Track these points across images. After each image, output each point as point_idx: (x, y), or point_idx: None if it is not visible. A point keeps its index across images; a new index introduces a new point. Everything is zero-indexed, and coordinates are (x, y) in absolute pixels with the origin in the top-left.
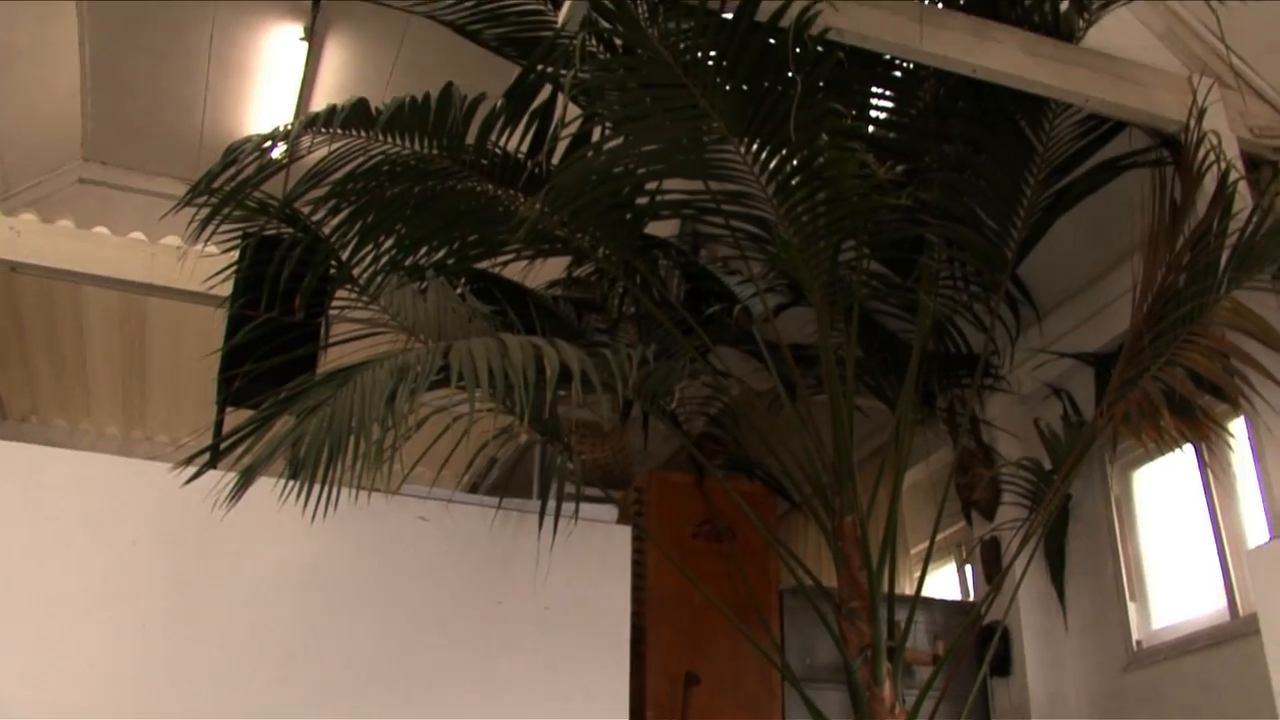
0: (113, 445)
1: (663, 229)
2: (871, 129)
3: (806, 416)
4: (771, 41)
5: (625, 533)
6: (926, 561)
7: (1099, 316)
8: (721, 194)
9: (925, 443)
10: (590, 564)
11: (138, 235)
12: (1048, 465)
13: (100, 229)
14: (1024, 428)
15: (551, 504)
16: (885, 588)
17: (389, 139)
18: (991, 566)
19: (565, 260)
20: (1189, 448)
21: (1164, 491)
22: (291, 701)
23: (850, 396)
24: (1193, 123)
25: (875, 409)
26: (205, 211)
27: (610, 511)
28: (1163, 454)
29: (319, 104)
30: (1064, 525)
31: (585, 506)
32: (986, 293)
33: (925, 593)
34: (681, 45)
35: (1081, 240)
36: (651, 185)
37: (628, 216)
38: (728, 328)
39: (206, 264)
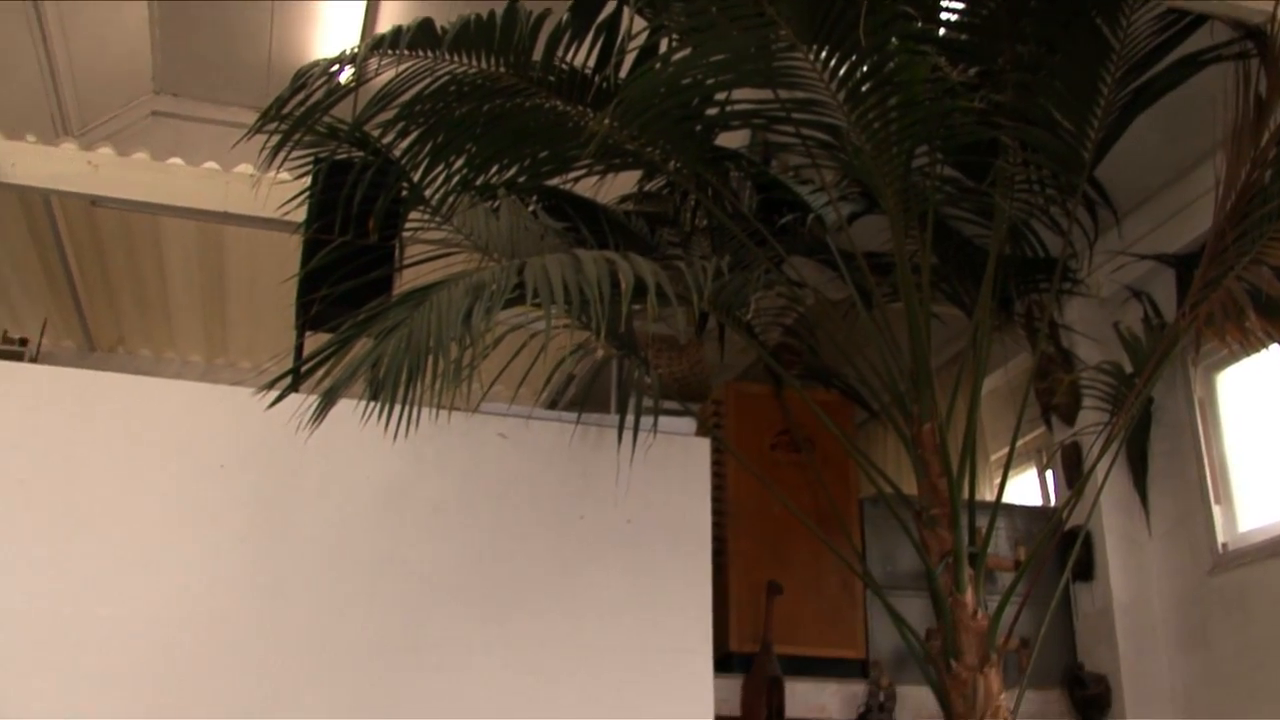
0: (197, 372)
1: (733, 140)
2: (943, 31)
3: (883, 324)
4: None
5: (704, 445)
6: (1007, 467)
7: (1180, 216)
8: (791, 102)
9: (1003, 349)
10: (670, 477)
11: (211, 165)
12: (1128, 369)
13: (175, 160)
14: (1103, 331)
15: (630, 418)
16: (965, 494)
17: (455, 58)
18: (1072, 471)
19: (636, 175)
20: (1275, 348)
21: (1249, 393)
22: (377, 619)
23: (926, 303)
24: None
25: (952, 316)
26: (276, 138)
27: (688, 424)
28: (1247, 355)
29: (384, 26)
30: (1146, 429)
31: (663, 420)
32: (1063, 195)
33: (1006, 499)
34: None
35: (1161, 139)
36: (720, 96)
37: (697, 128)
38: (801, 238)
39: (280, 190)
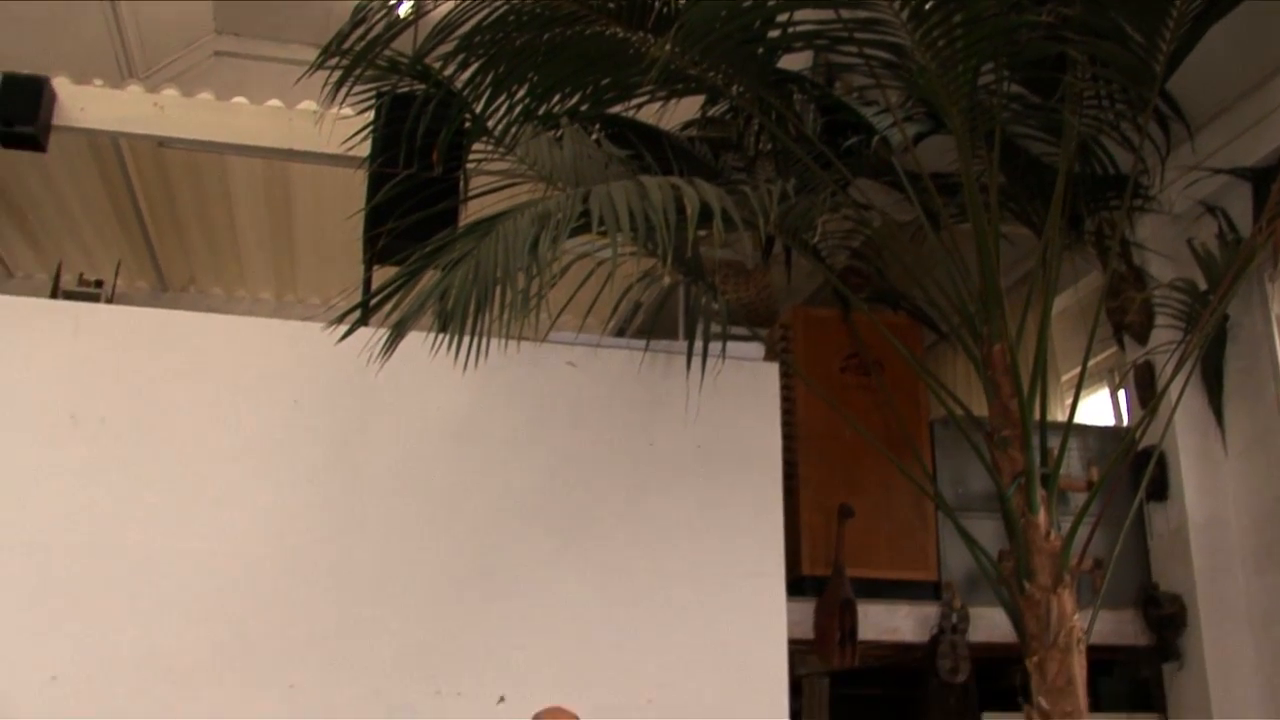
0: (267, 310)
1: (796, 62)
2: None
3: (951, 246)
4: None
5: (773, 369)
6: (1078, 387)
7: (1256, 129)
8: (854, 22)
9: (1073, 268)
10: (739, 402)
11: (275, 103)
12: (1203, 286)
13: (239, 99)
14: (1176, 248)
15: (698, 344)
16: (1037, 415)
17: None
18: (1146, 390)
19: (699, 100)
20: None
21: None
22: (451, 548)
23: (995, 223)
24: None
25: (1021, 235)
26: (338, 74)
27: (757, 349)
28: None
29: None
30: (1221, 346)
31: (732, 345)
32: (1134, 110)
33: (1078, 419)
34: None
35: (1236, 49)
36: (782, 17)
37: (759, 51)
38: (867, 159)
39: (343, 126)
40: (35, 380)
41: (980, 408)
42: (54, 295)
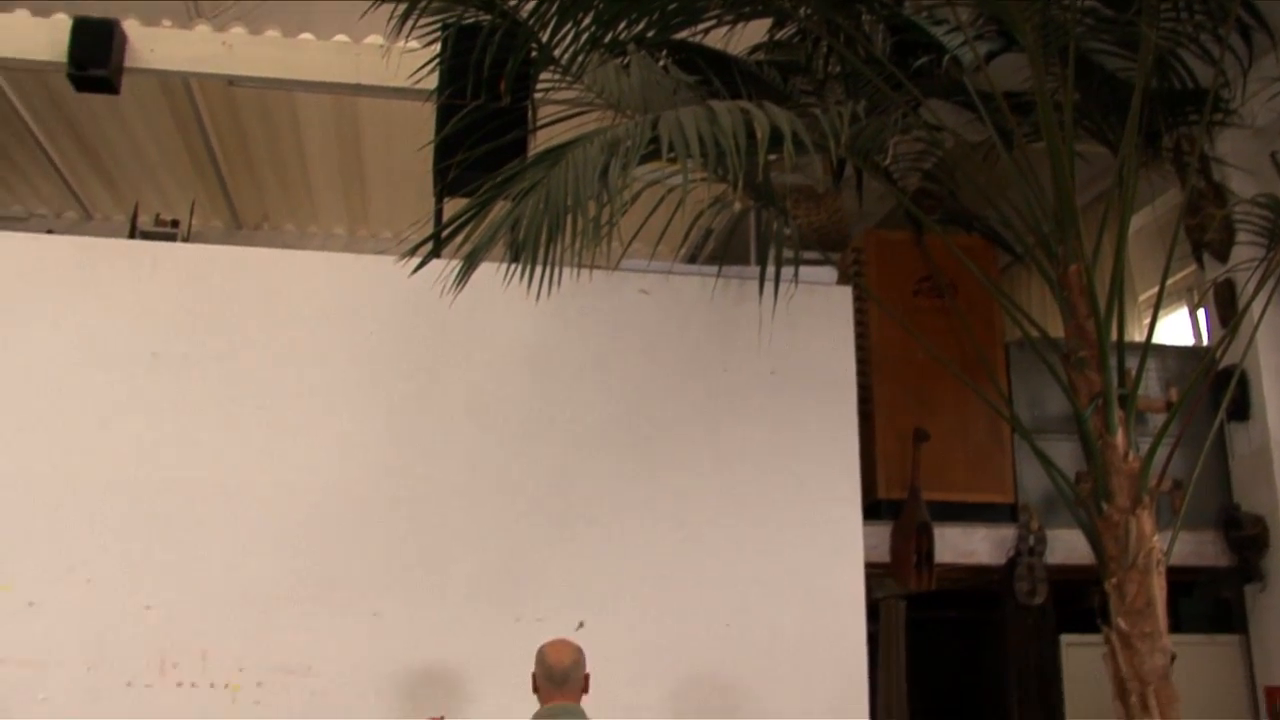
0: (340, 244)
1: None
2: None
3: (1025, 165)
4: None
5: (846, 293)
6: (1157, 307)
7: None
8: None
9: (1151, 185)
10: (813, 327)
11: (342, 38)
12: None
13: (306, 35)
14: (1259, 163)
15: (770, 269)
16: (1114, 335)
17: None
18: (1226, 309)
19: (766, 24)
20: None
21: None
22: (527, 477)
23: (1069, 141)
24: None
25: (1096, 153)
26: (404, 7)
27: (829, 273)
28: None
29: None
30: None
31: (804, 270)
32: (1214, 20)
33: (1156, 339)
34: None
35: None
36: None
37: None
38: (937, 79)
39: (410, 59)
40: (117, 319)
41: (1056, 329)
42: (132, 236)
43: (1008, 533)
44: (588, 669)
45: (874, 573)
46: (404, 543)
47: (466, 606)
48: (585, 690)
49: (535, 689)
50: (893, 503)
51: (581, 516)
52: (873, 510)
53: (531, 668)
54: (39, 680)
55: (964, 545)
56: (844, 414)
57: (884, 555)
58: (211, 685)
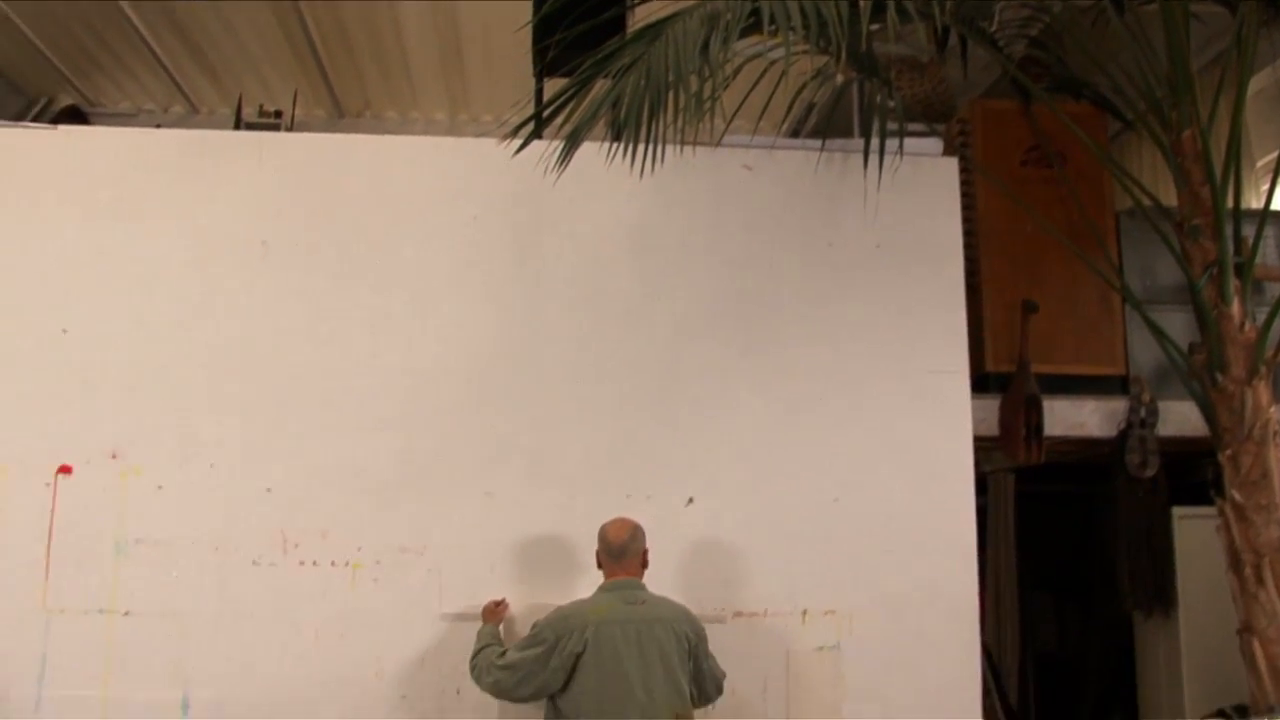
0: (441, 129)
1: None
2: None
3: (1136, 28)
4: None
5: (951, 165)
6: (1276, 173)
7: None
8: None
9: (1271, 46)
10: (918, 200)
11: None
12: None
13: None
14: None
15: (875, 142)
16: (1230, 202)
17: None
18: None
19: None
20: None
21: None
22: (635, 356)
23: (1184, 1)
24: None
25: (1212, 13)
26: None
27: (935, 145)
28: None
29: None
30: None
31: (909, 142)
32: None
33: (1275, 206)
34: None
35: None
36: None
37: None
38: None
39: None
40: (226, 210)
41: (1169, 197)
42: (237, 127)
43: (1119, 405)
44: (648, 545)
45: (982, 446)
46: (514, 424)
47: (576, 485)
48: (645, 565)
49: (599, 565)
50: (1001, 376)
51: (688, 394)
52: (981, 383)
53: (646, 545)
54: (171, 559)
55: (1074, 418)
56: (951, 287)
57: (992, 429)
58: (332, 564)
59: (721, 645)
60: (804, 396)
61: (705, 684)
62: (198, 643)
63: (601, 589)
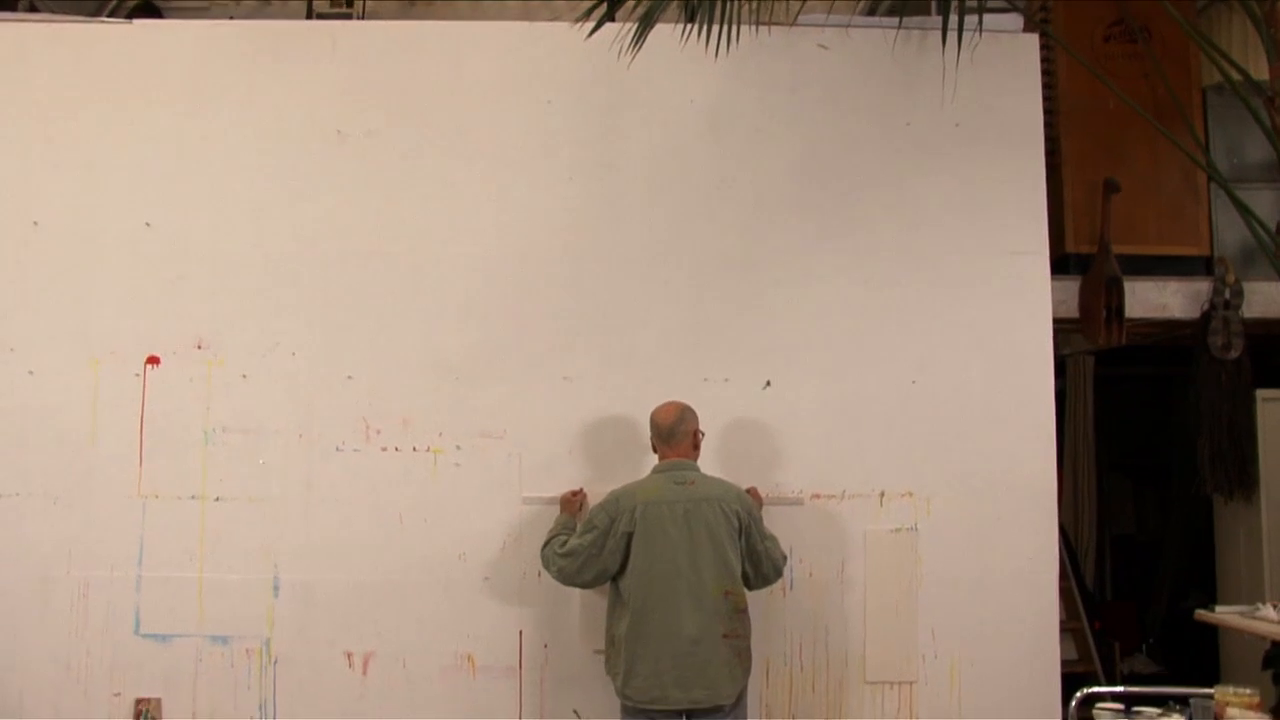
0: (514, 13)
1: None
2: None
3: None
4: None
5: (1032, 41)
6: None
7: None
8: None
9: None
10: (998, 77)
11: None
12: None
13: None
14: None
15: (953, 19)
16: None
17: None
18: None
19: None
20: None
21: None
22: (712, 239)
23: None
24: None
25: None
26: None
27: (1015, 20)
28: None
29: None
30: None
31: (989, 18)
32: None
33: None
34: None
35: None
36: None
37: None
38: None
39: None
40: (302, 99)
41: (1259, 70)
42: (308, 17)
43: (1202, 286)
44: (699, 426)
45: (1062, 328)
46: (591, 308)
47: (654, 368)
48: (696, 446)
49: (654, 449)
50: (1082, 257)
51: (765, 276)
52: (1061, 264)
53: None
54: (257, 446)
55: (1155, 299)
56: (1031, 166)
57: (1072, 311)
58: (414, 449)
59: (799, 527)
60: (882, 278)
61: (761, 564)
62: (286, 527)
63: (653, 470)
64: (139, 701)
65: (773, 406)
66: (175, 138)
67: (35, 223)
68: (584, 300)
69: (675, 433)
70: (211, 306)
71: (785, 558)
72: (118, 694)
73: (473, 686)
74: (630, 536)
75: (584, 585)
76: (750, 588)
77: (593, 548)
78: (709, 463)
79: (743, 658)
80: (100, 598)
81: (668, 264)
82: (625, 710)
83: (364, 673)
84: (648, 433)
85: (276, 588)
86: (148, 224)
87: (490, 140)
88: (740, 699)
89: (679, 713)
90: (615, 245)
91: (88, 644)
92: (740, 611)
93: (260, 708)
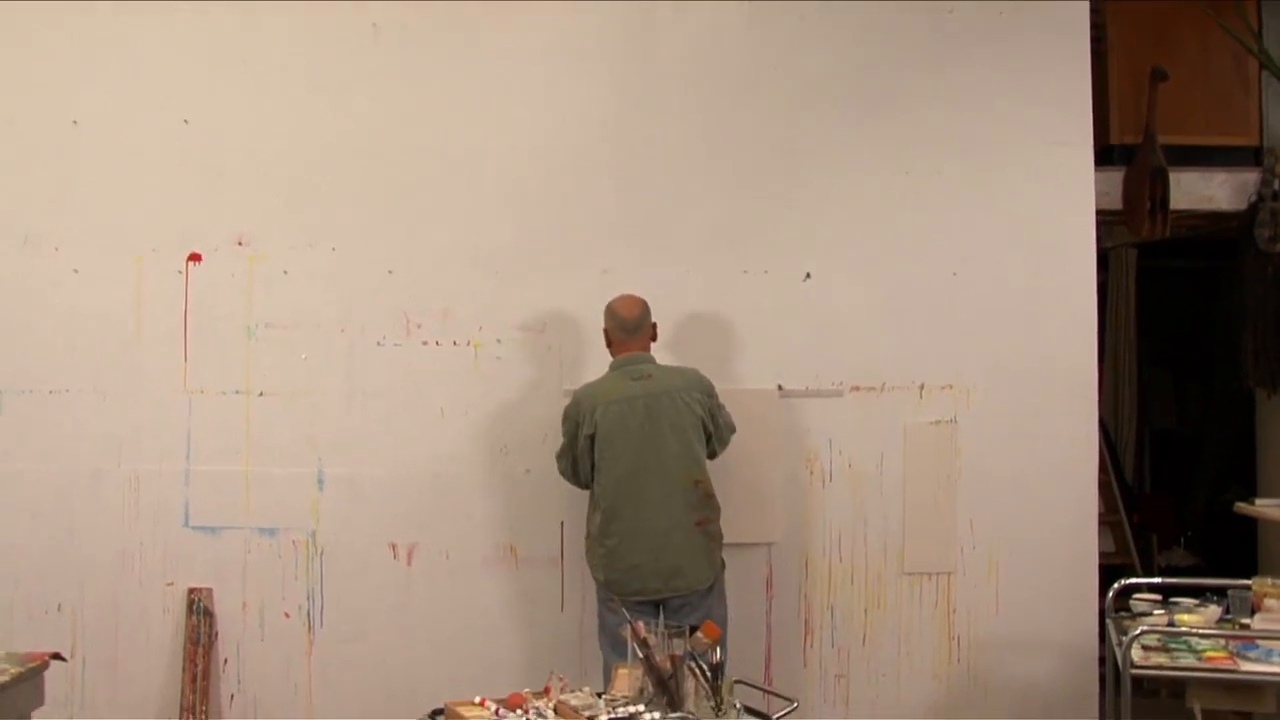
0: None
1: None
2: None
3: None
4: None
5: None
6: None
7: None
8: None
9: None
10: None
11: None
12: None
13: None
14: None
15: None
16: None
17: None
18: None
19: None
20: None
21: None
22: (751, 129)
23: None
24: None
25: None
26: None
27: None
28: None
29: None
30: None
31: None
32: None
33: None
34: None
35: None
36: None
37: None
38: None
39: None
40: None
41: None
42: None
43: (1250, 177)
44: (654, 319)
45: (1105, 220)
46: (629, 201)
47: (693, 261)
48: (654, 338)
49: (609, 343)
50: (1126, 147)
51: (804, 167)
52: (1105, 155)
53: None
54: (300, 341)
55: (1201, 190)
56: (1076, 53)
57: (1116, 202)
58: (454, 343)
59: (838, 419)
60: (923, 169)
61: (722, 433)
62: (328, 422)
63: (610, 368)
64: (191, 591)
65: (813, 298)
66: (212, 35)
67: (75, 122)
68: (623, 193)
69: (641, 325)
70: (251, 203)
71: (733, 427)
72: (170, 584)
73: (515, 577)
74: (593, 439)
75: (583, 486)
76: (713, 457)
77: (570, 450)
78: (750, 353)
79: (716, 541)
80: (150, 491)
81: (707, 155)
82: (605, 605)
83: (408, 564)
84: (687, 326)
85: (321, 481)
86: (186, 121)
87: (527, 31)
88: (717, 579)
89: (658, 602)
90: (654, 137)
91: (140, 536)
92: (709, 497)
93: (308, 597)
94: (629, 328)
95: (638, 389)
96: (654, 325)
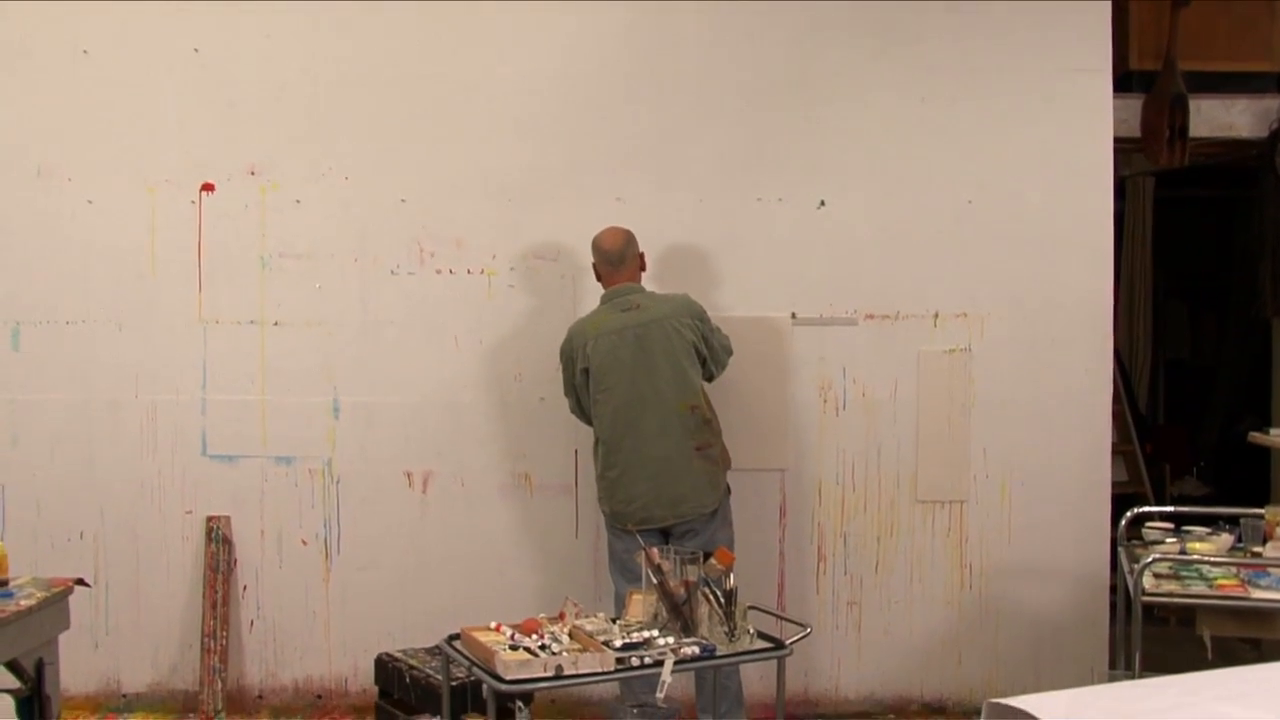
0: None
1: None
2: None
3: None
4: None
5: None
6: None
7: None
8: None
9: None
10: None
11: None
12: None
13: None
14: None
15: None
16: None
17: None
18: None
19: None
20: None
21: None
22: (766, 56)
23: None
24: None
25: None
26: None
27: None
28: None
29: None
30: None
31: None
32: None
33: None
34: None
35: None
36: None
37: None
38: None
39: None
40: None
41: None
42: None
43: (1271, 104)
44: (641, 249)
45: (1123, 148)
46: (643, 129)
47: (708, 189)
48: (643, 268)
49: (598, 277)
50: (1146, 74)
51: (819, 95)
52: (1123, 82)
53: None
54: (314, 271)
55: (1222, 118)
56: None
57: (1134, 130)
58: (468, 271)
59: (852, 346)
60: (938, 96)
61: (718, 355)
62: (344, 351)
63: (601, 301)
64: (210, 519)
65: (827, 226)
66: None
67: (85, 51)
68: (636, 120)
69: (625, 256)
70: (263, 132)
71: (730, 348)
72: (189, 511)
73: (530, 505)
74: (587, 373)
75: (588, 422)
76: (711, 379)
77: (570, 385)
78: (764, 281)
79: (718, 463)
80: (168, 420)
81: (720, 82)
82: (614, 532)
83: (424, 491)
84: (702, 253)
85: (336, 410)
86: (196, 50)
87: None
88: (721, 504)
89: (665, 530)
90: (668, 65)
91: (158, 465)
92: (707, 421)
93: (324, 525)
94: (613, 260)
95: (627, 320)
96: (641, 255)
